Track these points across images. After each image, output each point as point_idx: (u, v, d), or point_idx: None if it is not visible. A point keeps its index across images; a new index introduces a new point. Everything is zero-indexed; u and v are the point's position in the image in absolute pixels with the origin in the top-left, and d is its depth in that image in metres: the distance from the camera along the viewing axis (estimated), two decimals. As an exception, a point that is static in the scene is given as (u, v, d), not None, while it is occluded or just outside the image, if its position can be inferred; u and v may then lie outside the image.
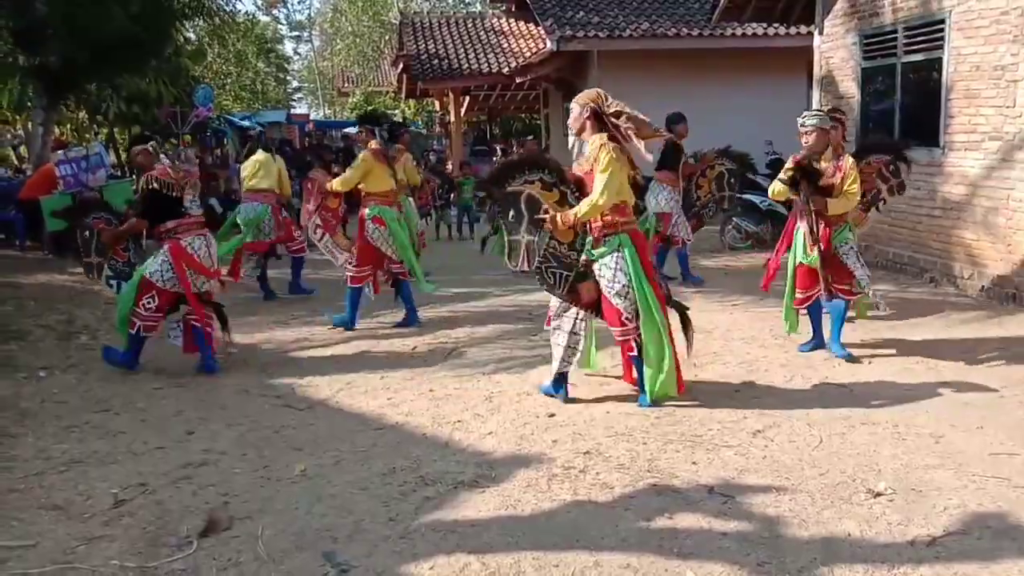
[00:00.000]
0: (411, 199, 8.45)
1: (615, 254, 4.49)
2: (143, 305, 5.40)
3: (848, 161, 5.36)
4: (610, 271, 4.49)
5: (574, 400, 4.78)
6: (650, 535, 3.19)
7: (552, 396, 4.82)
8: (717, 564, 2.96)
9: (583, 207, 4.38)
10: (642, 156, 4.44)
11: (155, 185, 5.31)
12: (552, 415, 4.57)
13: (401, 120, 26.58)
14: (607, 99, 4.48)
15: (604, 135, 4.45)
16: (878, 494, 3.47)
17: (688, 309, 4.91)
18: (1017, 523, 3.22)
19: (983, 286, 7.38)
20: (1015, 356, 5.53)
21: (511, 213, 4.56)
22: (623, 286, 4.48)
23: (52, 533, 3.32)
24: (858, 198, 5.46)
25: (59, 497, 3.66)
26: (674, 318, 4.74)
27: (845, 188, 5.29)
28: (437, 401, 4.87)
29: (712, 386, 5.00)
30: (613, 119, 4.40)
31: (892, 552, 3.02)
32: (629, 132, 4.33)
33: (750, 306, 7.16)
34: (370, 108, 30.21)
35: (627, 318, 4.51)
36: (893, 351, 5.67)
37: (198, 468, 3.96)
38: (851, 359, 5.42)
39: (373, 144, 6.67)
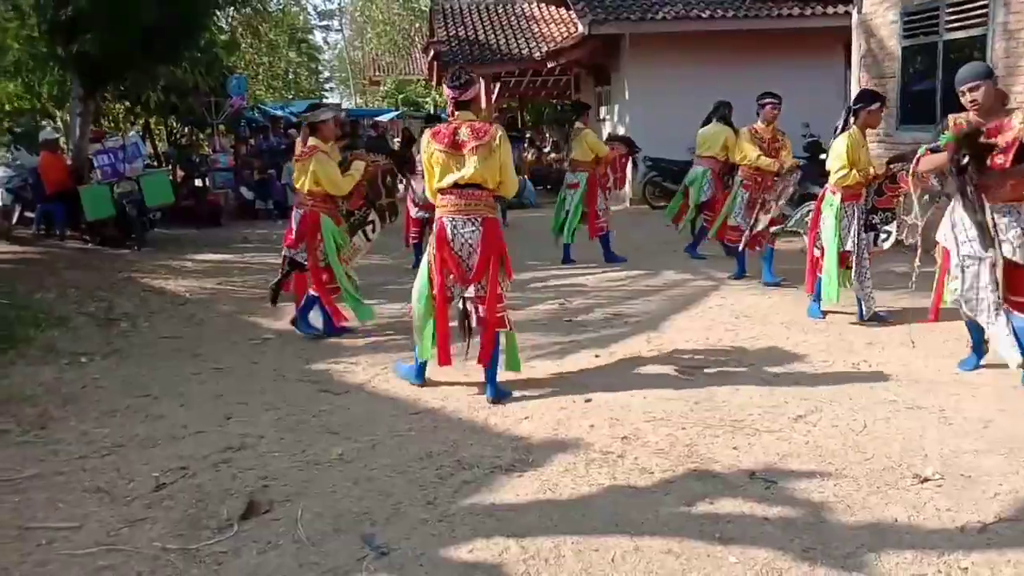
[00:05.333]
0: None
1: None
2: None
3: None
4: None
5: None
6: (691, 520, 3.15)
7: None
8: (760, 550, 2.91)
9: None
10: None
11: None
12: (588, 400, 4.53)
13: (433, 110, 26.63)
14: None
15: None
16: (925, 479, 3.39)
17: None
18: (1072, 509, 3.12)
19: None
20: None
21: None
22: None
23: (96, 515, 3.36)
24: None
25: (102, 480, 3.70)
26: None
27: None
28: (472, 386, 4.86)
29: (752, 371, 4.92)
30: None
31: (941, 538, 2.95)
32: None
33: (789, 290, 7.05)
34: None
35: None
36: (937, 335, 5.54)
37: (237, 452, 3.99)
38: None
39: None
